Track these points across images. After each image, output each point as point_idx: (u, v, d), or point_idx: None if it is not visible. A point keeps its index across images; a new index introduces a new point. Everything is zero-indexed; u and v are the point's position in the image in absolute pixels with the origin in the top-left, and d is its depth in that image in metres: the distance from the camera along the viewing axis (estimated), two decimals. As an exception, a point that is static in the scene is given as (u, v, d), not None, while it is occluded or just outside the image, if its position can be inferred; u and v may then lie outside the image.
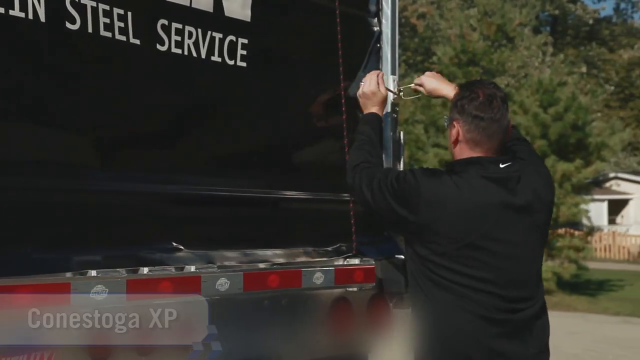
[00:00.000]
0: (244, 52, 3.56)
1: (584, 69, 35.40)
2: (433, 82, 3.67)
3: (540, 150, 17.19)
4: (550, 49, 32.44)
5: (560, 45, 39.34)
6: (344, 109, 3.93)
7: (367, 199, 3.22)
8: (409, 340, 3.17)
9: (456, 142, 3.14)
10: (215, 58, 3.45)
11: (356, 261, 3.94)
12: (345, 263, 3.91)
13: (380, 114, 3.67)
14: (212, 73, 3.45)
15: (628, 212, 37.72)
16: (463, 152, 3.13)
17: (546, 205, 3.17)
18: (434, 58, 26.99)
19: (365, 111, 3.68)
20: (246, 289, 3.42)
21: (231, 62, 3.52)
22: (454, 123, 3.13)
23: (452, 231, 2.97)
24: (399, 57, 4.36)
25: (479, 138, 3.09)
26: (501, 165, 3.07)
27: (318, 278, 3.73)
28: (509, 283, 3.00)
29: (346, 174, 3.41)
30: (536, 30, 32.45)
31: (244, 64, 3.57)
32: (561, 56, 32.18)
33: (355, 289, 3.95)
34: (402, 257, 3.98)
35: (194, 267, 3.28)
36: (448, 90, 3.55)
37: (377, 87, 3.64)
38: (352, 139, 3.64)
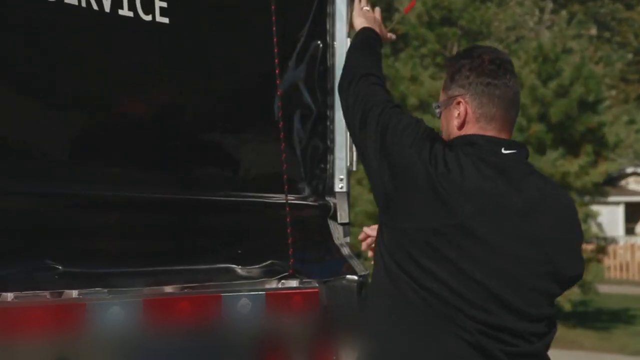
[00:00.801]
0: (164, 4, 3.59)
1: (593, 31, 36.06)
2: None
3: (538, 137, 17.43)
4: (550, 5, 33.00)
5: (563, 1, 40.01)
6: (278, 82, 4.02)
7: (354, 122, 3.37)
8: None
9: (463, 123, 3.26)
10: (125, 12, 3.45)
11: (294, 283, 3.99)
12: (280, 286, 3.97)
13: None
14: (121, 32, 3.48)
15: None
16: (471, 132, 3.25)
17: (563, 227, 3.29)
18: (397, 16, 27.25)
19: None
20: (146, 320, 3.43)
21: (147, 18, 3.54)
22: (458, 100, 3.25)
23: (422, 211, 3.08)
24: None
25: (494, 111, 3.22)
26: (504, 151, 3.18)
27: (244, 306, 3.76)
28: (486, 301, 3.06)
29: (341, 76, 3.59)
30: (532, -20, 32.93)
31: (165, 20, 3.60)
32: (564, 14, 32.73)
33: (292, 320, 3.99)
34: (354, 277, 4.09)
35: (76, 291, 3.28)
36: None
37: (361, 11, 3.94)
38: (288, 128, 3.74)
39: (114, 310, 3.32)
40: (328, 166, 4.36)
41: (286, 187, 4.05)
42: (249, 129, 4.13)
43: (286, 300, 3.95)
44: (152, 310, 3.46)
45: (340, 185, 4.33)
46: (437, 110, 3.36)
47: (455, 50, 23.80)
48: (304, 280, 4.01)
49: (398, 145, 3.21)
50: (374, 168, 3.28)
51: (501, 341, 3.07)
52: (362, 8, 3.91)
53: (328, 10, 4.36)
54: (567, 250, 3.26)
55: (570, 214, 3.34)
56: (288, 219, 3.89)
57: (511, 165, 3.17)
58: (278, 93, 4.01)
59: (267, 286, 3.93)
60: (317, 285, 4.04)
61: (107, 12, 3.39)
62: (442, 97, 3.35)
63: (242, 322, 3.82)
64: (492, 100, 3.21)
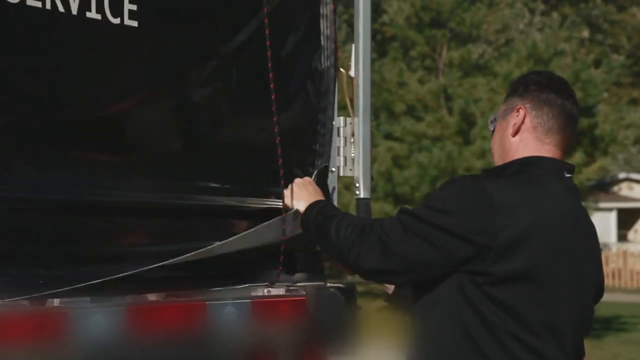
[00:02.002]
0: (134, 7, 3.57)
1: (586, 33, 36.17)
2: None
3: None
4: (541, 7, 33.10)
5: (554, 2, 40.13)
6: (271, 75, 4.03)
7: (391, 266, 3.25)
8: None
9: (518, 130, 3.33)
10: (92, 15, 3.45)
11: (281, 291, 4.00)
12: (266, 294, 3.98)
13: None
14: (88, 35, 3.45)
15: (644, 224, 38.58)
16: (527, 144, 3.32)
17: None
18: (385, 17, 27.24)
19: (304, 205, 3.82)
20: (130, 329, 3.44)
21: (116, 21, 3.53)
22: (518, 108, 3.35)
23: (534, 247, 3.11)
24: (338, 17, 4.44)
25: (552, 123, 3.32)
26: (566, 174, 3.31)
27: (229, 314, 3.77)
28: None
29: (340, 257, 3.50)
30: (522, -19, 33.05)
31: (134, 23, 3.59)
32: (555, 16, 32.82)
33: (279, 328, 3.99)
34: (341, 285, 4.13)
35: (57, 300, 3.28)
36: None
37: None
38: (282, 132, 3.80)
39: (97, 318, 3.32)
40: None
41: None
42: (241, 134, 4.14)
43: (272, 309, 3.95)
44: (135, 318, 3.46)
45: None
46: (492, 125, 3.46)
47: (444, 53, 23.91)
48: (290, 288, 4.02)
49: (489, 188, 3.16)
50: (457, 250, 3.16)
51: None
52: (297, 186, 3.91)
53: (322, 12, 4.37)
54: (599, 270, 3.47)
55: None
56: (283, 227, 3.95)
57: (571, 188, 3.33)
58: (271, 86, 4.04)
59: (254, 294, 3.94)
60: (304, 293, 4.04)
61: (74, 15, 3.37)
62: (501, 108, 3.45)
63: (228, 331, 3.82)
64: (552, 111, 3.32)
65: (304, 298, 4.03)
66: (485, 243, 3.06)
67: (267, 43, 4.04)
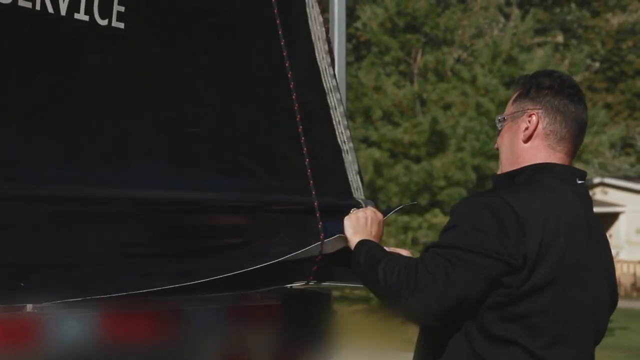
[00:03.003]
0: (122, 9, 3.57)
1: (560, 38, 36.36)
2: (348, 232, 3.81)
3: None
4: (516, 11, 33.18)
5: (528, 7, 40.28)
6: (289, 74, 4.10)
7: (445, 304, 3.13)
8: None
9: (530, 137, 3.33)
10: (81, 16, 3.45)
11: (256, 297, 4.00)
12: (242, 300, 3.98)
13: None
14: (76, 37, 3.45)
15: (618, 229, 38.65)
16: (539, 151, 3.33)
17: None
18: (358, 23, 27.23)
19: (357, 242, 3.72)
20: (105, 335, 3.45)
21: (104, 23, 3.52)
22: (530, 113, 3.34)
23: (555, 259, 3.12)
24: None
25: (564, 132, 3.32)
26: (578, 181, 3.32)
27: (204, 320, 3.81)
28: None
29: (389, 302, 3.34)
30: (497, -14, 33.24)
31: (121, 25, 3.59)
32: (530, 21, 32.84)
33: (254, 335, 4.02)
34: (319, 290, 4.14)
35: (30, 305, 3.26)
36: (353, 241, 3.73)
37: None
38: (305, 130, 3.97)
39: (71, 324, 3.32)
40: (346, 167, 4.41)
41: (313, 192, 4.07)
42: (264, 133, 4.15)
43: (248, 314, 3.97)
44: (110, 324, 3.46)
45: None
46: (501, 124, 3.44)
47: (419, 57, 23.95)
48: (265, 293, 4.02)
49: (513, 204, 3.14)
50: (498, 274, 3.12)
51: None
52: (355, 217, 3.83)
53: (308, 13, 4.40)
54: (613, 278, 3.50)
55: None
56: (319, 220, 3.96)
57: (584, 194, 3.33)
58: (291, 86, 4.09)
59: (229, 300, 3.94)
60: (279, 299, 4.04)
61: (62, 16, 3.37)
62: (509, 109, 3.44)
63: (203, 337, 3.83)
64: (566, 120, 3.33)
65: (279, 303, 4.03)
66: (518, 262, 3.06)
67: (282, 42, 4.10)
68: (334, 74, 4.46)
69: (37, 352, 3.21)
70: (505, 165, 3.45)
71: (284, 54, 4.22)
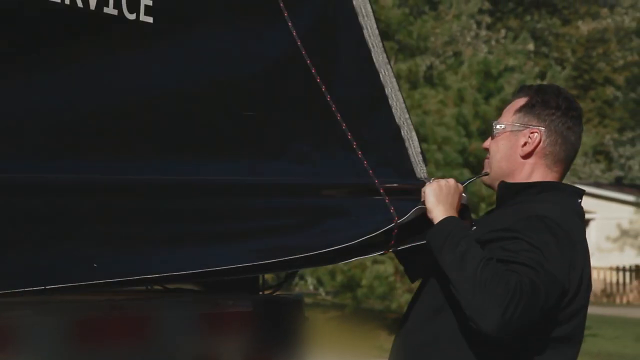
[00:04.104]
0: (150, 3, 3.57)
1: (531, 46, 36.47)
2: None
3: (477, 155, 17.69)
4: (487, 19, 33.35)
5: (500, 14, 40.49)
6: (314, 70, 4.05)
7: (531, 312, 3.12)
8: None
9: (531, 153, 3.39)
10: (110, 10, 3.43)
11: (228, 303, 4.03)
12: (213, 306, 3.98)
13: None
14: (105, 31, 3.45)
15: (589, 236, 38.63)
16: (537, 168, 3.42)
17: None
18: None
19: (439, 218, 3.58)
20: (76, 342, 3.42)
21: (132, 17, 3.52)
22: (533, 130, 3.41)
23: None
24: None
25: (563, 155, 3.42)
26: (578, 200, 3.43)
27: (176, 326, 3.78)
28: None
29: (464, 303, 3.19)
30: (469, -6, 33.34)
31: (149, 19, 3.58)
32: (501, 30, 33.12)
33: (226, 340, 4.01)
34: (292, 295, 4.13)
35: None
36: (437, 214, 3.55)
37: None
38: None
39: (41, 332, 3.30)
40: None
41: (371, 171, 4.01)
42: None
43: (218, 321, 3.97)
44: (82, 331, 3.45)
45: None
46: (497, 131, 3.46)
47: (392, 65, 24.07)
48: (236, 300, 4.03)
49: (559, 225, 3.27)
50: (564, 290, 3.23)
51: None
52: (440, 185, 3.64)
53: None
54: None
55: None
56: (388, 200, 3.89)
57: (581, 214, 3.45)
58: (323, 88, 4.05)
59: (201, 306, 3.96)
60: (250, 305, 4.05)
61: (91, 10, 3.36)
62: (511, 119, 3.47)
63: (174, 344, 3.82)
64: (566, 144, 3.42)
65: (250, 310, 4.04)
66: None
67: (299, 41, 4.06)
68: (383, 49, 4.52)
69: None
70: (497, 172, 3.50)
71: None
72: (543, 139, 3.40)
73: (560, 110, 3.42)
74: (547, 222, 3.22)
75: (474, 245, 3.23)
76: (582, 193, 3.51)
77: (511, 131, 3.45)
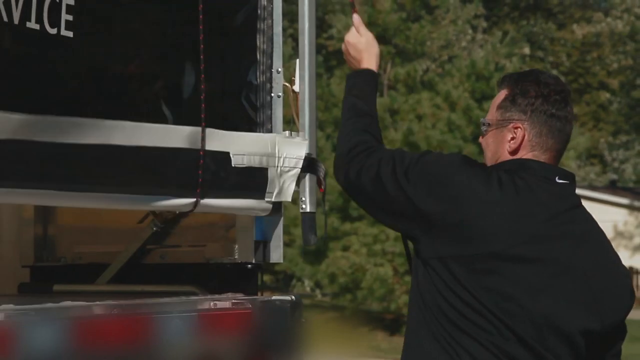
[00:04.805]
0: (70, 18, 3.58)
1: (526, 50, 36.60)
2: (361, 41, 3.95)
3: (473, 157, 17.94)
4: (484, 24, 33.44)
5: (496, 19, 40.59)
6: (203, 86, 4.04)
7: (367, 190, 3.41)
8: None
9: (518, 149, 3.32)
10: (32, 24, 3.45)
11: (227, 304, 4.01)
12: (212, 307, 3.98)
13: (374, 69, 3.94)
14: (28, 44, 3.47)
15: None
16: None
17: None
18: (332, 31, 27.37)
19: (355, 68, 3.94)
20: (76, 342, 3.43)
21: (53, 31, 3.53)
22: (516, 125, 3.31)
23: (483, 234, 3.18)
24: (283, 31, 4.50)
25: (551, 143, 3.32)
26: (558, 180, 3.29)
27: (176, 327, 3.79)
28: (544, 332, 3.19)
29: (334, 165, 3.57)
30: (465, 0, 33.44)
31: (69, 34, 3.59)
32: (498, 33, 33.18)
33: (225, 341, 4.02)
34: (288, 297, 4.15)
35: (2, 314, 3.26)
36: (368, 62, 3.91)
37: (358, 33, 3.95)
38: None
39: (42, 331, 3.30)
40: None
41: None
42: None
43: (218, 321, 3.98)
44: (82, 331, 3.45)
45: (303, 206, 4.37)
46: (485, 128, 3.41)
47: (389, 69, 24.06)
48: (236, 300, 4.03)
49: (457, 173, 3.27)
50: (414, 207, 3.29)
51: None
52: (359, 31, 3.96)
53: (259, 27, 4.36)
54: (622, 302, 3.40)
55: (610, 253, 3.42)
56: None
57: (563, 195, 3.28)
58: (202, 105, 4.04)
59: (200, 307, 3.95)
60: (249, 306, 4.05)
61: (15, 25, 3.38)
62: (495, 115, 3.40)
63: (175, 344, 3.83)
64: (552, 132, 3.31)
65: (249, 311, 4.04)
66: None
67: (202, 57, 4.07)
68: (270, 90, 4.45)
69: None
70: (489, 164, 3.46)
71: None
72: (527, 132, 3.32)
73: (541, 98, 3.33)
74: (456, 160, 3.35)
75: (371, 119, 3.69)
76: (561, 172, 3.39)
77: (497, 128, 3.40)
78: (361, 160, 3.48)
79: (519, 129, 3.30)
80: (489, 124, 3.42)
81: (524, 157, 3.32)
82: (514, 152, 3.34)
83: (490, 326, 3.19)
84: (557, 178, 3.30)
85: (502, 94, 3.41)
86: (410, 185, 3.29)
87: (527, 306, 3.18)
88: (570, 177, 3.36)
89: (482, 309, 3.18)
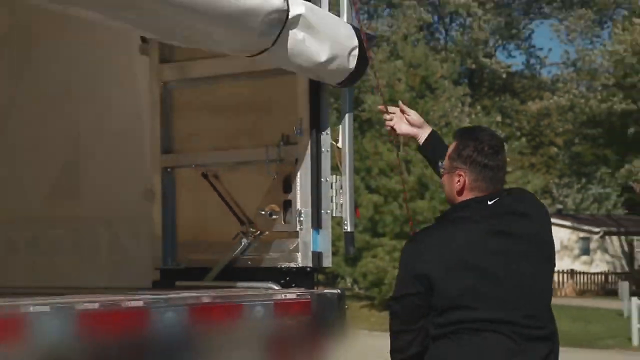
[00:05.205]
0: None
1: (499, 118, 36.33)
2: (416, 119, 3.78)
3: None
4: (469, 100, 33.21)
5: (477, 97, 40.35)
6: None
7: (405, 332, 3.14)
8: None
9: (462, 190, 3.12)
10: None
11: (293, 295, 3.98)
12: (284, 297, 3.94)
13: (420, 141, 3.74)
14: None
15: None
16: (467, 197, 3.12)
17: (548, 238, 3.17)
18: (364, 106, 27.37)
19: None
20: (192, 323, 3.43)
21: None
22: (459, 173, 3.11)
23: (463, 291, 2.98)
24: (330, 106, 4.46)
25: (485, 186, 3.09)
26: (489, 202, 3.07)
27: (259, 311, 3.75)
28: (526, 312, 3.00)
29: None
30: (456, 83, 33.23)
31: None
32: (478, 107, 33.06)
33: (292, 323, 3.98)
34: (336, 290, 4.12)
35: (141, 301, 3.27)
36: (423, 133, 3.72)
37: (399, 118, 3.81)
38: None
39: (169, 313, 3.28)
40: None
41: None
42: None
43: (288, 308, 3.93)
44: (195, 313, 3.44)
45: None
46: (442, 171, 3.22)
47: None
48: (299, 293, 4.00)
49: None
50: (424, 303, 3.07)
51: None
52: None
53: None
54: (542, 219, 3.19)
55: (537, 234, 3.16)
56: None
57: (498, 211, 3.07)
58: None
59: (275, 297, 3.90)
60: (309, 297, 3.99)
61: None
62: (447, 162, 3.19)
63: (258, 322, 3.79)
64: (485, 179, 3.09)
65: (309, 300, 3.98)
66: None
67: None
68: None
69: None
70: (448, 199, 3.25)
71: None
72: (467, 177, 3.10)
73: (477, 152, 3.10)
74: (414, 253, 3.16)
75: None
76: (489, 196, 3.11)
77: (448, 173, 3.19)
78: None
79: (462, 176, 3.10)
80: (444, 168, 3.22)
81: (466, 198, 3.12)
82: (460, 191, 3.13)
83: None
84: (488, 201, 3.08)
85: (453, 146, 3.20)
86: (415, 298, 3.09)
87: (504, 299, 3.02)
88: (497, 195, 3.12)
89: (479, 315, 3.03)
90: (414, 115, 3.80)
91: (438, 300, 2.99)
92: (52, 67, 4.93)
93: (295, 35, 3.61)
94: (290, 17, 3.54)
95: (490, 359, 2.94)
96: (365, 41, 4.01)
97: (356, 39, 3.96)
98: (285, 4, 3.51)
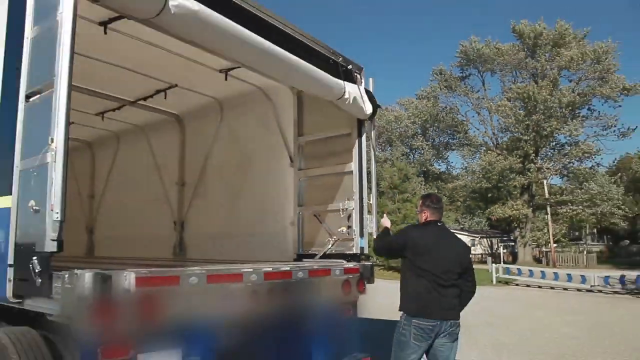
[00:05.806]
0: None
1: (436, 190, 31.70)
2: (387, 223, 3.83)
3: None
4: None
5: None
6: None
7: (391, 250, 3.42)
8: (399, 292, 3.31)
9: (426, 219, 3.41)
10: None
11: (352, 264, 3.98)
12: (351, 265, 3.94)
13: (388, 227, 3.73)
14: None
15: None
16: (427, 223, 3.42)
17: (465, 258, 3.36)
18: (385, 176, 24.35)
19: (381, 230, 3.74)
20: (309, 277, 3.52)
21: None
22: (425, 211, 3.39)
23: (418, 251, 3.29)
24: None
25: (436, 216, 3.41)
26: (438, 224, 3.41)
27: (337, 274, 3.78)
28: (442, 272, 3.27)
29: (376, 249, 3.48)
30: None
31: None
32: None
33: (351, 282, 3.96)
34: (371, 263, 4.08)
35: (288, 267, 3.42)
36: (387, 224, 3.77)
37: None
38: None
39: (300, 274, 3.40)
40: None
41: None
42: None
43: (350, 271, 3.92)
44: (312, 273, 3.49)
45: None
46: (417, 210, 3.45)
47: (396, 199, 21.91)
48: (355, 265, 3.96)
49: (410, 235, 3.32)
50: (403, 249, 3.29)
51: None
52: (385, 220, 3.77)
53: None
54: (464, 257, 3.38)
55: (464, 246, 3.40)
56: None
57: (441, 228, 3.38)
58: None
59: (344, 266, 3.88)
60: (359, 266, 4.02)
61: None
62: (419, 208, 3.43)
63: (336, 278, 3.80)
64: (435, 214, 3.41)
65: (359, 268, 4.00)
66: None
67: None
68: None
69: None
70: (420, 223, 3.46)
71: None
72: (428, 215, 3.38)
73: (428, 201, 3.39)
74: (408, 230, 3.39)
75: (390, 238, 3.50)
76: (436, 222, 3.32)
77: (420, 212, 3.42)
78: (385, 246, 3.43)
79: (425, 213, 3.41)
80: (418, 212, 3.45)
81: (428, 220, 3.41)
82: (425, 220, 3.42)
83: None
84: (437, 223, 3.40)
85: (420, 201, 3.47)
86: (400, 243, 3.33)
87: (433, 263, 3.25)
88: (440, 221, 3.40)
89: (421, 265, 3.26)
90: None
91: (408, 254, 3.28)
92: (248, 170, 5.08)
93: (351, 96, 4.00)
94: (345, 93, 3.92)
95: (422, 290, 3.22)
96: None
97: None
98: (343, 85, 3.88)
